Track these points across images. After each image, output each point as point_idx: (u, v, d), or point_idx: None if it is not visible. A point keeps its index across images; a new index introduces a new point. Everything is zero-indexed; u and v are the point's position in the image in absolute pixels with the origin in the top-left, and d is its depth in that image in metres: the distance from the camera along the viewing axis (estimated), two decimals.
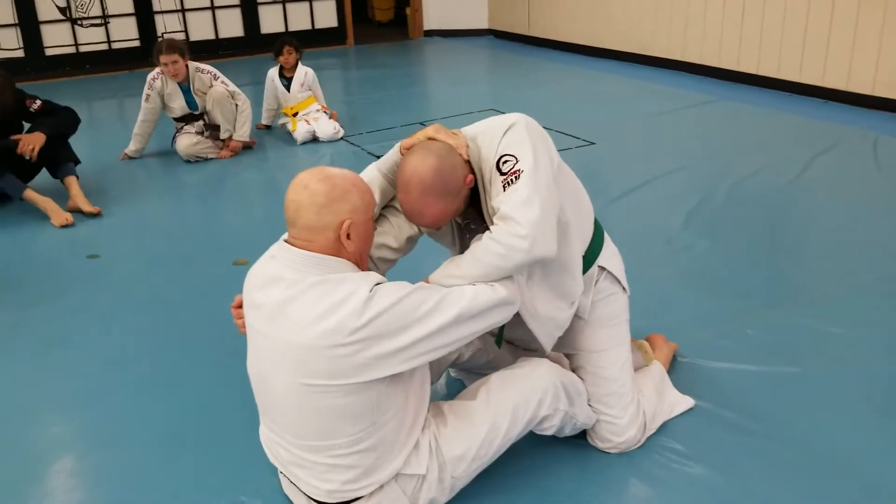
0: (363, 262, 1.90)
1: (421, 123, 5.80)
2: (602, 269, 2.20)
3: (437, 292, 1.80)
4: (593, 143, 5.06)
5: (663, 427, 2.30)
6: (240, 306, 2.03)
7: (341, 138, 5.56)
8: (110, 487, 2.22)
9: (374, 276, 1.79)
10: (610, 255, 2.23)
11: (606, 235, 2.25)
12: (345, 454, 1.82)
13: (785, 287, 3.14)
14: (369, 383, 1.75)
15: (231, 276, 3.54)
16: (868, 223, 3.68)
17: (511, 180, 1.83)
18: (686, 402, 2.38)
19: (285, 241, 1.84)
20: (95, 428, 2.50)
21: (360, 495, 1.87)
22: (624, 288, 2.27)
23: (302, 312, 1.73)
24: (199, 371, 2.78)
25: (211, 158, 5.28)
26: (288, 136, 5.67)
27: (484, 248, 1.83)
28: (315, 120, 5.57)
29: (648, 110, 5.77)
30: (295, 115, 5.62)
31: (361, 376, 1.73)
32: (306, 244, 1.79)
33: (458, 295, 1.80)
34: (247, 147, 5.43)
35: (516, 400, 1.99)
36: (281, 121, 5.80)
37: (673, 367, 2.56)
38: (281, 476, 2.07)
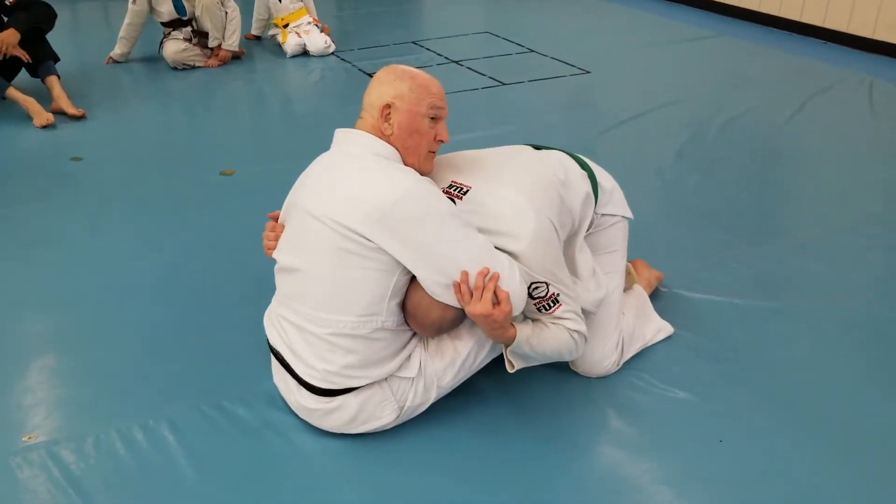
0: (411, 159, 1.95)
1: (414, 42, 5.68)
2: (599, 215, 2.21)
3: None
4: (588, 72, 4.99)
5: (643, 353, 2.33)
6: (271, 229, 2.09)
7: (332, 53, 5.44)
8: (91, 387, 2.22)
9: (425, 179, 1.89)
10: (606, 201, 2.21)
11: (599, 175, 2.23)
12: (349, 335, 1.87)
13: (772, 224, 3.15)
14: (393, 266, 1.82)
15: (217, 185, 3.50)
16: (859, 165, 3.67)
17: (547, 305, 1.93)
18: (666, 329, 2.41)
19: None
20: (78, 328, 2.49)
21: (353, 385, 1.92)
22: (624, 216, 2.27)
23: (348, 184, 1.85)
24: (184, 277, 2.77)
25: (198, 66, 5.16)
26: (277, 49, 5.54)
27: (564, 340, 1.96)
28: (306, 33, 5.43)
29: (646, 41, 5.67)
30: (286, 26, 5.48)
31: (390, 247, 1.80)
32: (360, 122, 1.95)
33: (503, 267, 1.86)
34: (235, 57, 5.31)
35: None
36: (271, 32, 5.66)
37: (656, 297, 2.57)
38: (274, 366, 2.08)
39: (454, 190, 1.99)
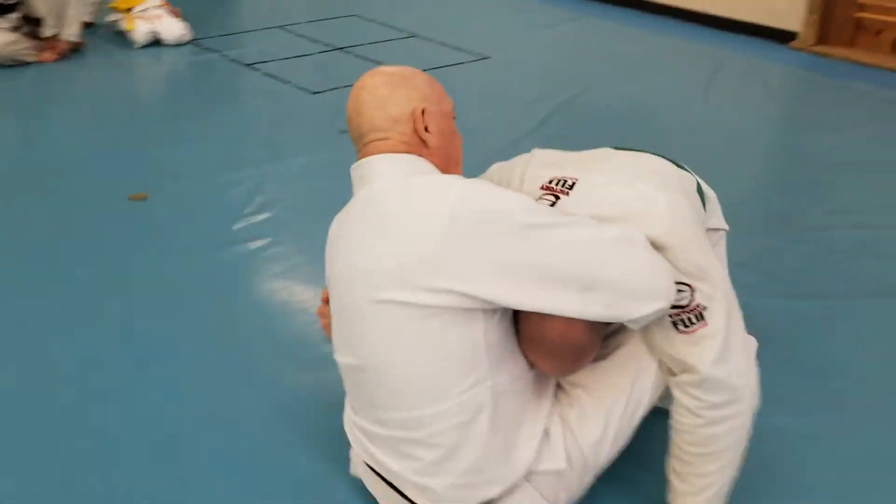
0: (457, 170, 1.59)
1: (280, 27, 5.07)
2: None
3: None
4: (487, 58, 4.66)
5: None
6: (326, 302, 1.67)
7: (190, 41, 4.71)
8: None
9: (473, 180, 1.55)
10: (711, 212, 1.89)
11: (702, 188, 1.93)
12: (457, 425, 1.41)
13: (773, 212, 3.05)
14: (471, 311, 1.39)
15: (130, 213, 2.82)
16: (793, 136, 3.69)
17: (688, 320, 1.47)
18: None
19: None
20: None
21: (488, 497, 1.47)
22: (725, 229, 1.99)
23: (391, 225, 1.43)
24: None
25: (30, 62, 4.24)
26: (119, 38, 4.70)
27: (710, 437, 1.51)
28: (157, 18, 4.66)
29: (527, 23, 5.38)
30: (129, 10, 4.67)
31: (459, 281, 1.36)
32: (379, 145, 1.51)
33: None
34: (74, 49, 4.43)
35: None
36: (110, 17, 4.79)
37: None
38: (371, 484, 1.62)
39: (558, 185, 1.59)
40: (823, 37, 4.97)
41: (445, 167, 1.54)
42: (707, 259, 1.52)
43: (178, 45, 4.66)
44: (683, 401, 1.52)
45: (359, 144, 1.56)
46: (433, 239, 1.37)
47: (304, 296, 2.36)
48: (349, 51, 4.70)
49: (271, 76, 4.21)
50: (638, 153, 1.82)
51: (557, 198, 1.57)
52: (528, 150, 1.79)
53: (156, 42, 4.64)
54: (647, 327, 1.52)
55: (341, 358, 1.57)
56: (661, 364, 1.56)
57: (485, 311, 1.40)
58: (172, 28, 4.65)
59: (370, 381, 1.49)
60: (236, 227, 2.75)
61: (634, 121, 3.84)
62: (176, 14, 4.78)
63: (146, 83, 4.33)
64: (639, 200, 1.52)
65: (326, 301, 1.67)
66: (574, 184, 1.58)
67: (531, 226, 1.39)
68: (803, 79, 4.63)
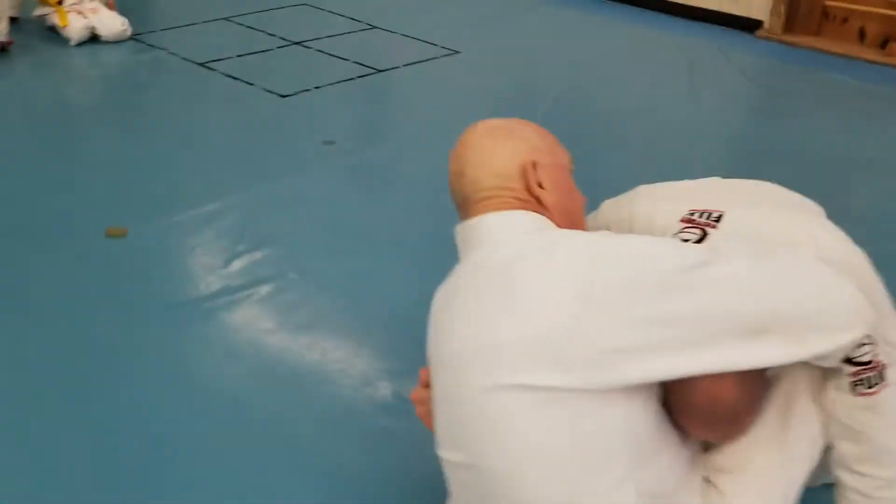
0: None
1: (226, 19, 4.66)
2: None
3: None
4: (458, 52, 4.40)
5: None
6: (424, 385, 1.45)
7: (131, 37, 4.27)
8: None
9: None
10: None
11: None
12: None
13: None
14: (609, 393, 1.17)
15: (107, 254, 2.46)
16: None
17: (870, 380, 1.26)
18: None
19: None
20: None
21: None
22: None
23: (510, 295, 1.22)
24: None
25: None
26: (51, 35, 4.21)
27: None
28: (93, 12, 4.19)
29: (485, 15, 5.13)
30: (59, 2, 4.18)
31: (599, 355, 1.15)
32: (487, 204, 1.33)
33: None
34: (1, 49, 3.93)
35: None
36: (39, 12, 4.28)
37: None
38: None
39: (702, 217, 1.39)
40: (790, 25, 4.91)
41: (568, 227, 1.35)
42: (885, 307, 1.35)
43: (119, 41, 4.21)
44: (850, 483, 1.34)
45: (463, 209, 1.38)
46: (564, 308, 1.17)
47: (340, 352, 2.09)
48: (308, 45, 4.35)
49: (232, 77, 3.83)
50: (759, 182, 1.64)
51: (705, 232, 1.37)
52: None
53: (93, 38, 4.18)
54: (821, 390, 1.32)
55: (447, 454, 1.34)
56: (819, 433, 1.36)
57: (625, 390, 1.19)
58: (111, 22, 4.19)
59: (483, 483, 1.27)
60: (233, 267, 2.43)
61: (626, 123, 3.67)
62: (110, 6, 4.32)
63: (90, 88, 3.89)
64: (807, 241, 1.34)
65: (425, 384, 1.44)
66: (720, 216, 1.39)
67: (679, 270, 1.19)
68: (779, 70, 4.57)
